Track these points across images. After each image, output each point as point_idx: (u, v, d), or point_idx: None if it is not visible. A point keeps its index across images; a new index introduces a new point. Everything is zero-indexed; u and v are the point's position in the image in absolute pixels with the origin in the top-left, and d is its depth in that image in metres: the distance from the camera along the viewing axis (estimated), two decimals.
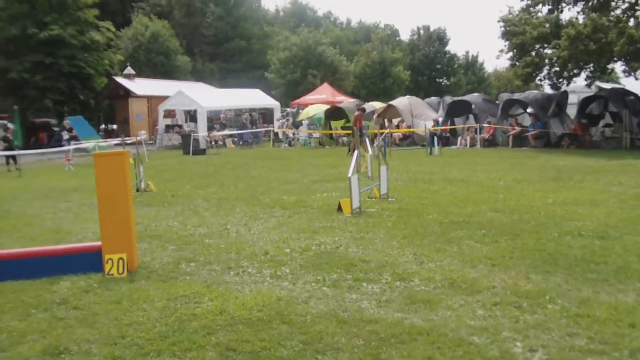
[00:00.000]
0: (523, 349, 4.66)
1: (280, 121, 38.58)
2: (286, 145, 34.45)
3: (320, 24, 67.66)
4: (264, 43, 61.92)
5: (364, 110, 25.98)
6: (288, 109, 43.47)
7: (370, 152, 15.35)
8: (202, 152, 28.59)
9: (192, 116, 36.27)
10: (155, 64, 49.10)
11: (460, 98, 34.02)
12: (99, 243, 7.21)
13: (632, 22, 25.67)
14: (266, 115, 40.28)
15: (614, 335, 4.84)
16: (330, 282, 6.49)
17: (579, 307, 5.50)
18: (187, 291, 6.31)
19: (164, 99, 36.27)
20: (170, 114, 37.02)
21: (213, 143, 31.54)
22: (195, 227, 9.91)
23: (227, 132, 35.44)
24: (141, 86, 41.13)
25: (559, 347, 4.66)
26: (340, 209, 10.67)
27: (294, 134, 35.43)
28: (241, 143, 34.44)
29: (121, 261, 6.99)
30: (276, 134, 35.91)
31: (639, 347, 4.60)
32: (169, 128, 36.33)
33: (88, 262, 7.14)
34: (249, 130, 35.97)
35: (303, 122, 36.00)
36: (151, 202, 12.72)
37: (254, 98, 39.62)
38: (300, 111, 39.37)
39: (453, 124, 31.08)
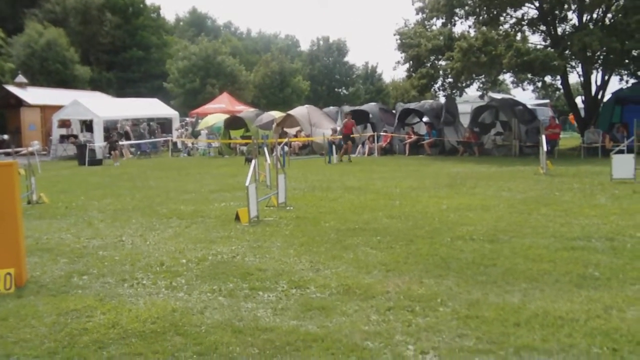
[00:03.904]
0: (415, 352, 4.75)
1: (179, 131, 38.06)
2: (185, 154, 34.10)
3: (219, 34, 67.27)
4: (162, 52, 60.90)
5: (351, 115, 26.72)
6: (187, 119, 42.93)
7: (269, 161, 15.37)
8: (98, 163, 27.84)
9: (87, 126, 35.30)
10: (50, 72, 47.47)
11: (358, 107, 34.58)
12: None
13: (519, 36, 26.81)
14: (164, 125, 39.64)
15: (500, 335, 5.01)
16: (226, 291, 6.45)
17: (469, 308, 5.67)
18: (78, 305, 6.12)
19: (58, 108, 35.14)
20: (64, 123, 35.86)
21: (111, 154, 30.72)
22: (89, 239, 9.64)
23: (124, 141, 34.71)
24: (34, 95, 39.57)
25: (449, 348, 4.78)
26: (237, 218, 10.62)
27: (192, 144, 35.09)
28: (138, 153, 33.80)
29: (8, 276, 6.71)
30: (175, 144, 35.52)
31: (523, 345, 4.77)
32: (63, 138, 35.17)
33: None
34: (147, 140, 35.34)
35: (202, 131, 35.69)
36: (43, 214, 12.29)
37: (152, 107, 38.98)
38: (199, 120, 39.03)
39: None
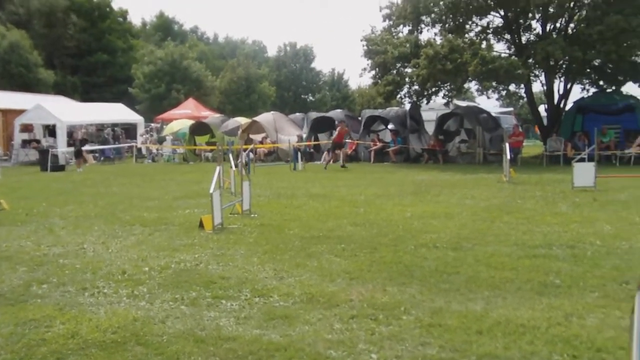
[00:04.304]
0: None
1: (144, 136, 37.76)
2: (149, 160, 33.84)
3: (186, 38, 66.86)
4: (128, 56, 60.36)
5: (345, 122, 26.69)
6: (152, 124, 42.64)
7: (234, 168, 15.29)
8: (60, 168, 27.46)
9: (50, 131, 34.82)
10: (12, 76, 46.74)
11: (323, 114, 34.63)
12: None
13: (484, 44, 27.10)
14: (129, 130, 39.27)
15: (463, 342, 5.02)
16: (189, 300, 6.39)
17: (432, 316, 5.69)
18: (37, 315, 6.01)
19: (20, 112, 34.57)
20: (27, 128, 35.27)
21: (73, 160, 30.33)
22: (50, 246, 9.48)
23: (87, 147, 34.31)
24: None
25: (412, 357, 4.79)
26: (201, 225, 10.55)
27: (157, 150, 34.83)
28: (102, 158, 33.45)
29: None
30: (139, 150, 35.18)
31: (485, 353, 4.79)
32: (25, 143, 34.64)
33: None
34: (111, 146, 34.99)
35: (167, 137, 35.48)
36: (2, 221, 12.07)
37: (116, 112, 38.56)
38: (164, 126, 38.77)
39: (317, 139, 31.56)
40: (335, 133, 26.84)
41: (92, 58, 57.86)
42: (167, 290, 6.79)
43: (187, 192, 16.61)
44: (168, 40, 58.31)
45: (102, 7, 60.27)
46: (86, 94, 53.29)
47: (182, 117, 38.82)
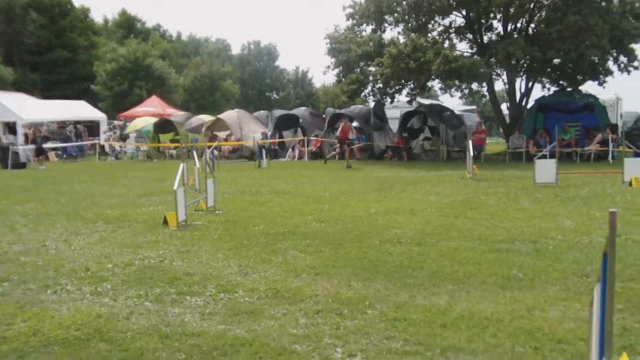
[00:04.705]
0: (343, 354, 4.76)
1: (107, 134, 37.35)
2: (112, 158, 33.48)
3: (149, 36, 66.20)
4: (90, 53, 59.52)
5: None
6: (115, 122, 42.18)
7: (198, 165, 15.22)
8: (21, 166, 27.04)
9: (10, 128, 34.23)
10: None
11: (288, 112, 34.62)
12: None
13: (447, 44, 27.32)
14: (92, 128, 38.80)
15: (427, 336, 5.06)
16: (153, 296, 6.34)
17: (396, 310, 5.72)
18: None
19: None
20: None
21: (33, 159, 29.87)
22: (10, 244, 9.33)
23: (49, 144, 33.83)
24: None
25: (376, 351, 4.81)
26: (165, 222, 10.48)
27: (120, 147, 34.49)
28: (64, 156, 33.01)
29: None
30: (102, 147, 34.80)
31: (449, 346, 4.83)
32: None
33: None
34: (74, 143, 34.55)
35: (130, 134, 35.15)
36: None
37: (79, 110, 38.10)
38: (128, 124, 38.39)
39: (281, 137, 31.57)
40: (339, 130, 26.20)
41: (53, 55, 56.97)
42: (131, 286, 6.73)
43: (151, 189, 16.47)
44: (130, 37, 57.68)
45: (63, 4, 59.31)
46: (47, 91, 52.40)
47: (145, 115, 38.48)
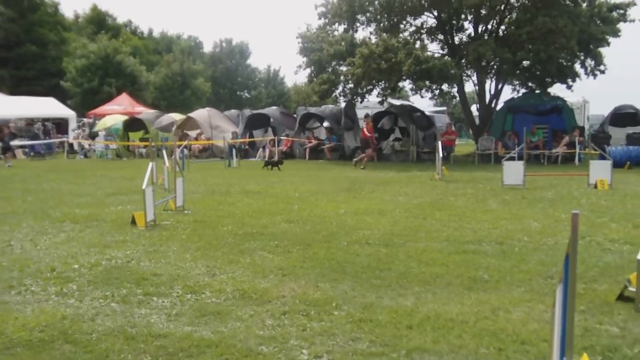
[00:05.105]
0: (309, 356, 4.77)
1: (76, 131, 37.00)
2: (81, 156, 33.18)
3: (120, 32, 65.62)
4: (60, 49, 58.84)
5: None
6: (84, 119, 41.76)
7: (167, 164, 15.14)
8: None
9: None
10: None
11: (258, 111, 34.61)
12: None
13: (418, 44, 27.48)
14: (60, 125, 38.44)
15: (393, 337, 5.09)
16: (119, 297, 6.30)
17: (363, 312, 5.74)
18: None
19: None
20: None
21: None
22: None
23: (17, 142, 33.42)
24: None
25: (342, 352, 4.83)
26: (133, 222, 10.41)
27: (89, 145, 34.19)
28: (32, 154, 32.64)
29: None
30: (71, 145, 34.47)
31: (415, 347, 4.87)
32: None
33: None
34: (41, 141, 34.18)
35: (100, 132, 34.86)
36: None
37: (47, 107, 37.76)
38: (97, 121, 38.06)
39: (252, 136, 31.53)
40: (363, 129, 24.56)
41: (21, 50, 56.18)
42: (97, 287, 6.68)
43: (120, 188, 16.35)
44: (101, 33, 57.16)
45: None
46: (15, 88, 51.70)
47: (115, 113, 38.25)
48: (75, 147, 34.90)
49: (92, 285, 6.76)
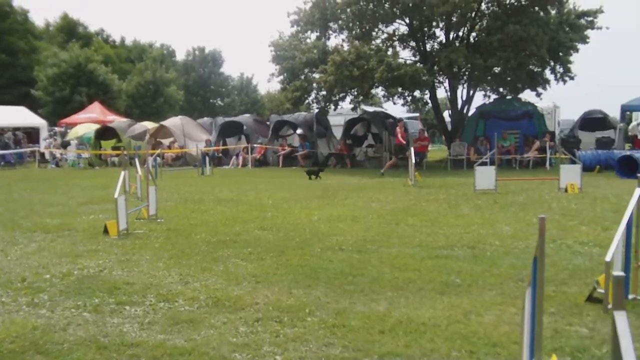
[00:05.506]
0: None
1: (47, 140, 36.67)
2: (53, 165, 32.88)
3: (91, 41, 65.13)
4: (30, 58, 58.28)
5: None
6: (56, 128, 41.42)
7: (140, 172, 15.07)
8: None
9: None
10: None
11: (232, 118, 34.58)
12: None
13: (390, 51, 27.65)
14: (31, 134, 38.07)
15: (365, 342, 5.12)
16: (92, 306, 6.26)
17: (336, 317, 5.76)
18: None
19: None
20: None
21: None
22: None
23: None
24: None
25: (315, 357, 4.84)
26: (106, 231, 10.35)
27: (61, 154, 33.91)
28: (2, 163, 32.29)
29: None
30: (42, 154, 34.16)
31: (387, 352, 4.89)
32: None
33: None
34: (12, 150, 33.83)
35: (71, 141, 34.59)
36: None
37: (18, 116, 37.36)
38: (69, 130, 37.77)
39: (225, 144, 31.50)
40: (397, 134, 22.94)
41: None
42: (69, 297, 6.63)
43: (92, 197, 16.23)
44: (73, 42, 56.73)
45: (1, 6, 57.93)
46: None
47: (87, 121, 37.99)
48: (47, 156, 34.58)
49: (63, 295, 6.70)
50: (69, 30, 66.05)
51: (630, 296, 6.04)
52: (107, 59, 60.63)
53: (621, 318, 2.13)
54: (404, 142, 22.48)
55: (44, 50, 57.88)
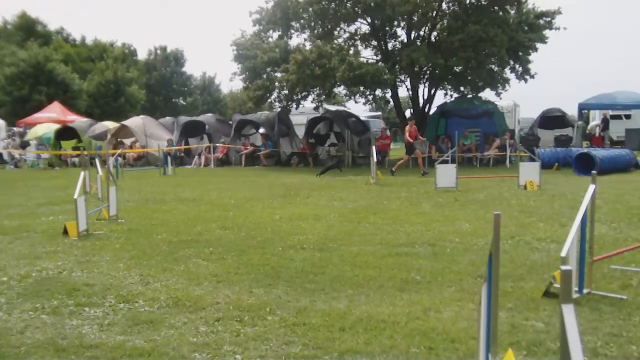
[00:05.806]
0: None
1: (5, 141, 36.10)
2: (11, 166, 32.37)
3: (51, 39, 64.17)
4: None
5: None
6: (14, 128, 40.76)
7: (101, 173, 14.91)
8: None
9: None
10: None
11: (194, 118, 34.42)
12: None
13: (352, 51, 27.77)
14: None
15: (326, 340, 5.14)
16: (50, 309, 6.19)
17: (296, 316, 5.78)
18: None
19: None
20: None
21: None
22: None
23: None
24: None
25: (275, 356, 4.86)
26: (65, 232, 10.23)
27: (20, 155, 33.41)
28: None
29: None
30: (0, 155, 33.63)
31: (347, 349, 4.92)
32: None
33: None
34: None
35: (31, 142, 34.09)
36: None
37: None
38: (28, 130, 37.22)
39: (187, 143, 31.34)
40: (406, 132, 22.47)
41: None
42: (27, 299, 6.55)
43: (52, 198, 16.03)
44: (31, 40, 55.89)
45: None
46: None
47: (47, 121, 37.43)
48: (5, 157, 34.08)
49: (21, 298, 6.62)
50: (28, 28, 65.01)
51: (585, 290, 6.17)
52: (67, 58, 59.85)
53: (569, 311, 2.18)
54: (412, 141, 22.13)
55: (2, 49, 56.89)
